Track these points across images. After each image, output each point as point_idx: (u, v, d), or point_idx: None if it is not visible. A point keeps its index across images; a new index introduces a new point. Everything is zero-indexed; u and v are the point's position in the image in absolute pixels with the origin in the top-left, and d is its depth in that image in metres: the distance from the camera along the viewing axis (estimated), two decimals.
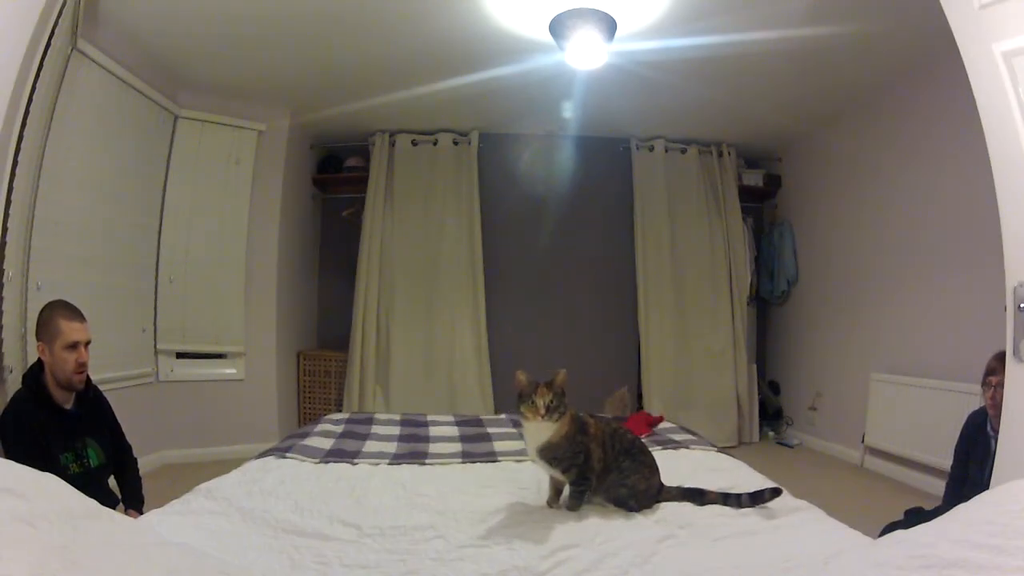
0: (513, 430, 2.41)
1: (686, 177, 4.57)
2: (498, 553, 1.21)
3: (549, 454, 1.44)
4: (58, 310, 1.86)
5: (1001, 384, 1.89)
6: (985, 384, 2.03)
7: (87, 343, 1.87)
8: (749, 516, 1.41)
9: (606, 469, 1.48)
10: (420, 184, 4.41)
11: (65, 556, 0.74)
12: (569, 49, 2.81)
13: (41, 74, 2.17)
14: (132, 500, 2.01)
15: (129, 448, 2.10)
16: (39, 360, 1.85)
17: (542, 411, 1.39)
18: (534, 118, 4.25)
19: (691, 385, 4.41)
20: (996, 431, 1.96)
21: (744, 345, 4.48)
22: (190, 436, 3.62)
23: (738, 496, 1.48)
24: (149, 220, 3.48)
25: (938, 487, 2.68)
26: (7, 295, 2.27)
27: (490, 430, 2.44)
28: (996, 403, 1.94)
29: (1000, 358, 1.96)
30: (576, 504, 1.46)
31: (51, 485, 0.95)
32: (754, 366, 4.58)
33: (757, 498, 1.48)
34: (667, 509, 1.46)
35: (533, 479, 1.71)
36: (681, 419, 3.74)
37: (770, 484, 1.63)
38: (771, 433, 4.59)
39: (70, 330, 1.82)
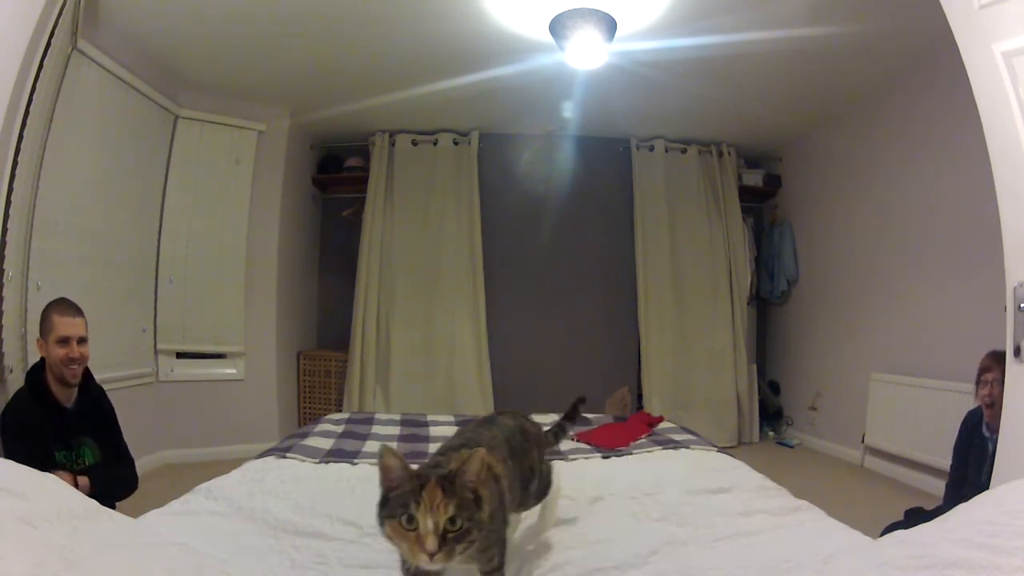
0: None
1: (686, 177, 4.57)
2: None
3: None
4: (54, 306, 1.88)
5: (997, 380, 1.90)
6: (980, 382, 2.03)
7: (80, 339, 1.87)
8: (749, 516, 1.40)
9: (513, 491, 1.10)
10: (420, 184, 4.41)
11: (65, 556, 0.74)
12: (569, 49, 2.81)
13: (41, 74, 2.17)
14: (100, 481, 1.86)
15: (127, 454, 2.07)
16: (42, 358, 1.86)
17: (430, 547, 0.79)
18: (534, 118, 4.25)
19: (691, 385, 4.40)
20: (992, 430, 1.97)
21: (744, 345, 4.47)
22: (190, 436, 3.62)
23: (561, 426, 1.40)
24: (149, 220, 3.48)
25: (938, 487, 2.68)
26: (7, 295, 2.27)
27: None
28: (994, 399, 1.94)
29: (994, 356, 1.97)
30: None
31: (51, 485, 0.95)
32: (754, 366, 4.58)
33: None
34: (667, 509, 1.45)
35: None
36: (681, 419, 3.74)
37: (770, 484, 1.63)
38: (771, 433, 4.59)
39: (61, 324, 1.83)
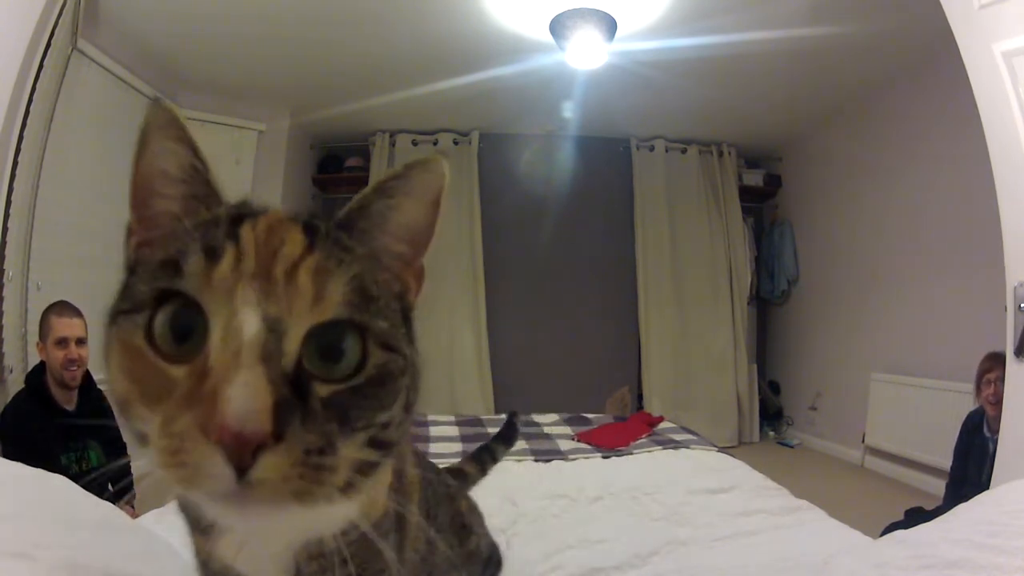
0: None
1: (686, 177, 4.57)
2: None
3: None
4: (53, 308, 1.88)
5: (1000, 379, 1.90)
6: (984, 382, 2.03)
7: (78, 340, 1.86)
8: (749, 516, 1.40)
9: None
10: None
11: (66, 554, 0.73)
12: (569, 49, 2.81)
13: (41, 74, 2.17)
14: (125, 492, 2.01)
15: (124, 445, 2.11)
16: (42, 361, 1.86)
17: (240, 408, 0.27)
18: (534, 118, 4.25)
19: (691, 385, 4.41)
20: (993, 431, 1.97)
21: (744, 345, 4.48)
22: None
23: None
24: None
25: (938, 487, 2.68)
26: (7, 295, 2.27)
27: (490, 430, 2.44)
28: (999, 397, 1.94)
29: (994, 357, 1.97)
30: None
31: (54, 483, 0.95)
32: (754, 366, 4.58)
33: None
34: (667, 508, 1.45)
35: (531, 479, 1.71)
36: (681, 419, 3.74)
37: (771, 484, 1.63)
38: (771, 433, 4.59)
39: (59, 326, 1.83)
